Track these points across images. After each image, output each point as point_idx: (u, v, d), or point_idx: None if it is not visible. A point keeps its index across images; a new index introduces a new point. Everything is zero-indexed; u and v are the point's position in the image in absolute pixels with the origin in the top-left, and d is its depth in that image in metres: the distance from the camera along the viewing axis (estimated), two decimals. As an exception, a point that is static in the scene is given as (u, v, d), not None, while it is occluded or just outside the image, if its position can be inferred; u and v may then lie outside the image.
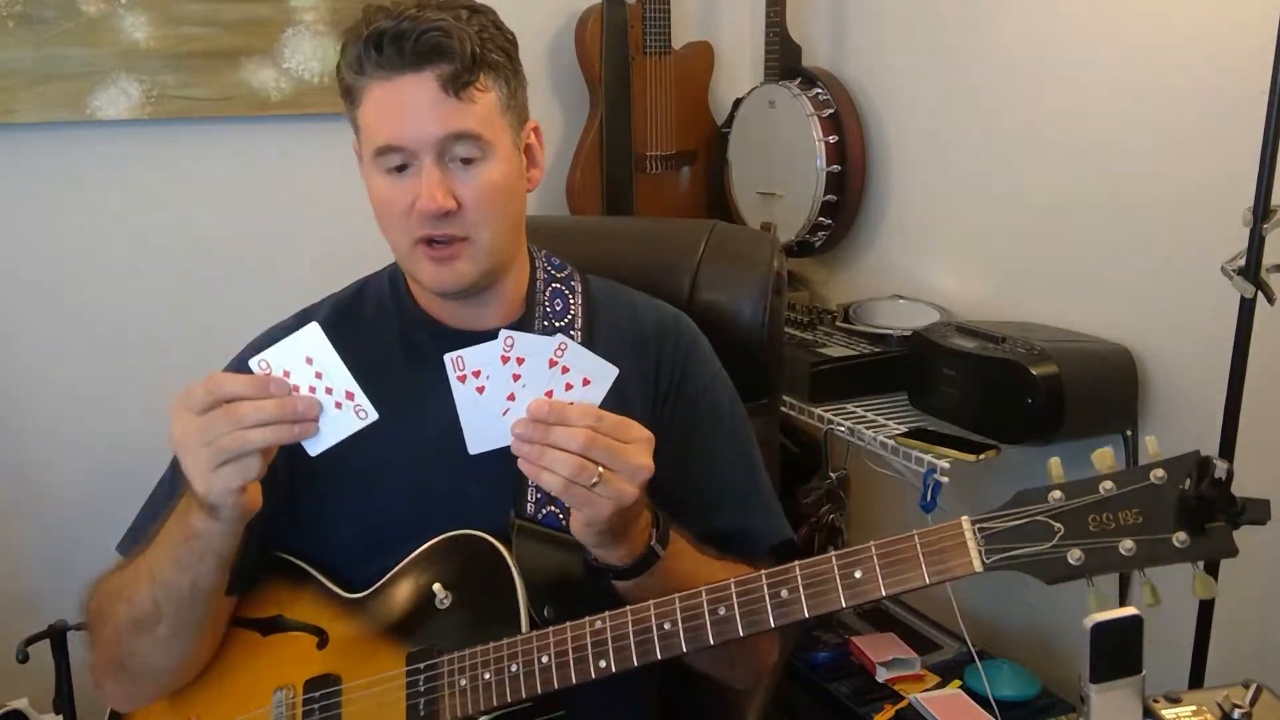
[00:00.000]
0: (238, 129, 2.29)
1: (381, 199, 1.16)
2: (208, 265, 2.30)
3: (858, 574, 0.94)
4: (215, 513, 1.02)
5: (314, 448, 1.02)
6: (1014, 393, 1.79)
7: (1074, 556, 0.89)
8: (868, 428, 1.99)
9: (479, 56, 1.11)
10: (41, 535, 2.22)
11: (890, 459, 1.96)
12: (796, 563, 0.97)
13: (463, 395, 0.99)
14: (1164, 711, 1.00)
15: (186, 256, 2.29)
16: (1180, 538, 0.88)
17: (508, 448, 0.99)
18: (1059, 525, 0.90)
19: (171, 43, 2.19)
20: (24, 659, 1.66)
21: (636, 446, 0.99)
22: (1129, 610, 0.95)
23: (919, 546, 0.93)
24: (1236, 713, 0.99)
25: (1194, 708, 1.01)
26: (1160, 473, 0.89)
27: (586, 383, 0.99)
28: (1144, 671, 0.95)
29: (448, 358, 0.98)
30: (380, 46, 1.09)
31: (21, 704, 2.08)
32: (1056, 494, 0.91)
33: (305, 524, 1.24)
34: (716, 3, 2.71)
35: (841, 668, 2.04)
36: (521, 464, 0.99)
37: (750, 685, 1.29)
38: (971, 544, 0.91)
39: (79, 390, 2.24)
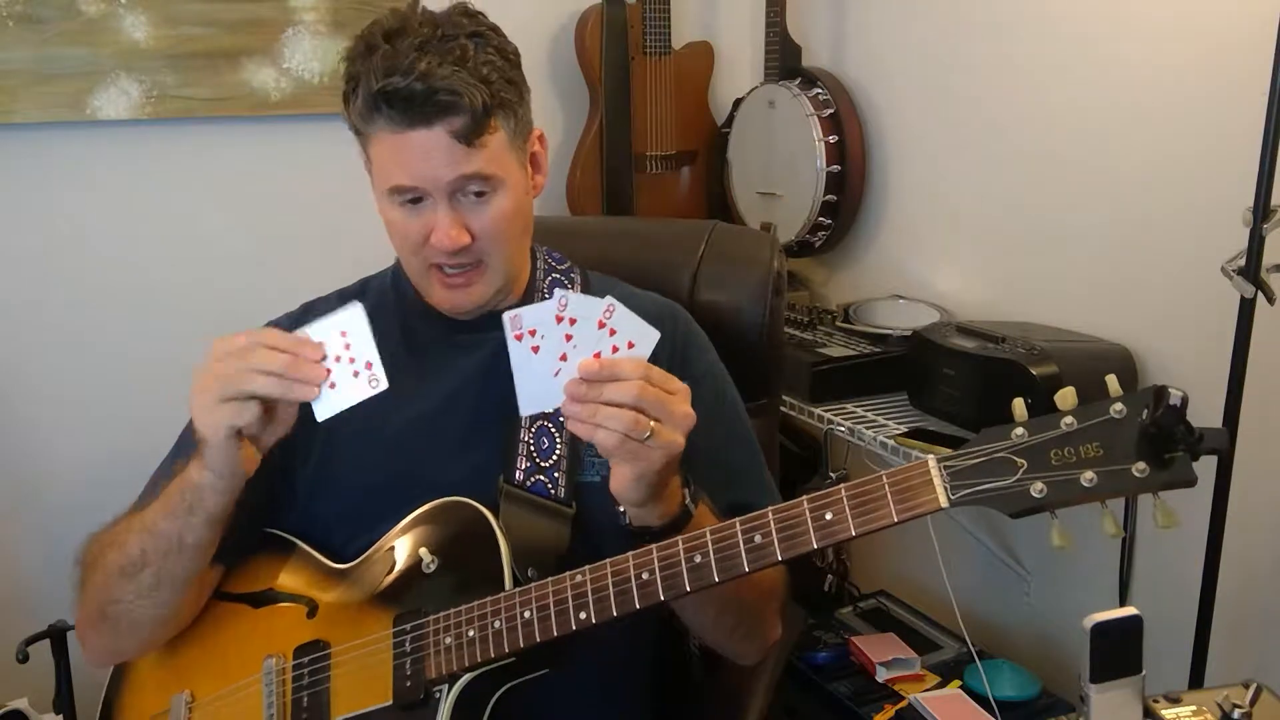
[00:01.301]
0: (238, 129, 2.29)
1: (396, 228, 1.19)
2: (207, 265, 2.30)
3: (828, 515, 0.97)
4: (203, 449, 1.05)
5: (322, 412, 1.05)
6: (1014, 393, 1.77)
7: (1036, 489, 0.92)
8: (868, 428, 1.99)
9: (490, 107, 1.12)
10: (41, 535, 2.22)
11: (890, 459, 1.96)
12: (770, 508, 1.00)
13: (518, 354, 1.01)
14: (1164, 711, 1.00)
15: (186, 256, 2.29)
16: (1140, 468, 0.90)
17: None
18: (1022, 460, 0.93)
19: (171, 43, 2.18)
20: (24, 659, 1.66)
21: (680, 395, 1.02)
22: (1129, 610, 0.95)
23: (886, 486, 0.95)
24: (1236, 713, 0.99)
25: (1194, 708, 1.01)
26: (1120, 406, 0.91)
27: (631, 345, 1.01)
28: (1144, 671, 0.95)
29: (506, 315, 1.00)
30: (391, 103, 1.10)
31: (21, 704, 2.08)
32: (1019, 431, 0.94)
33: (298, 500, 1.27)
34: (716, 3, 2.71)
35: (841, 668, 2.04)
36: (572, 425, 1.01)
37: (756, 660, 1.31)
38: (937, 480, 0.94)
39: (78, 390, 2.24)
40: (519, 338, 1.00)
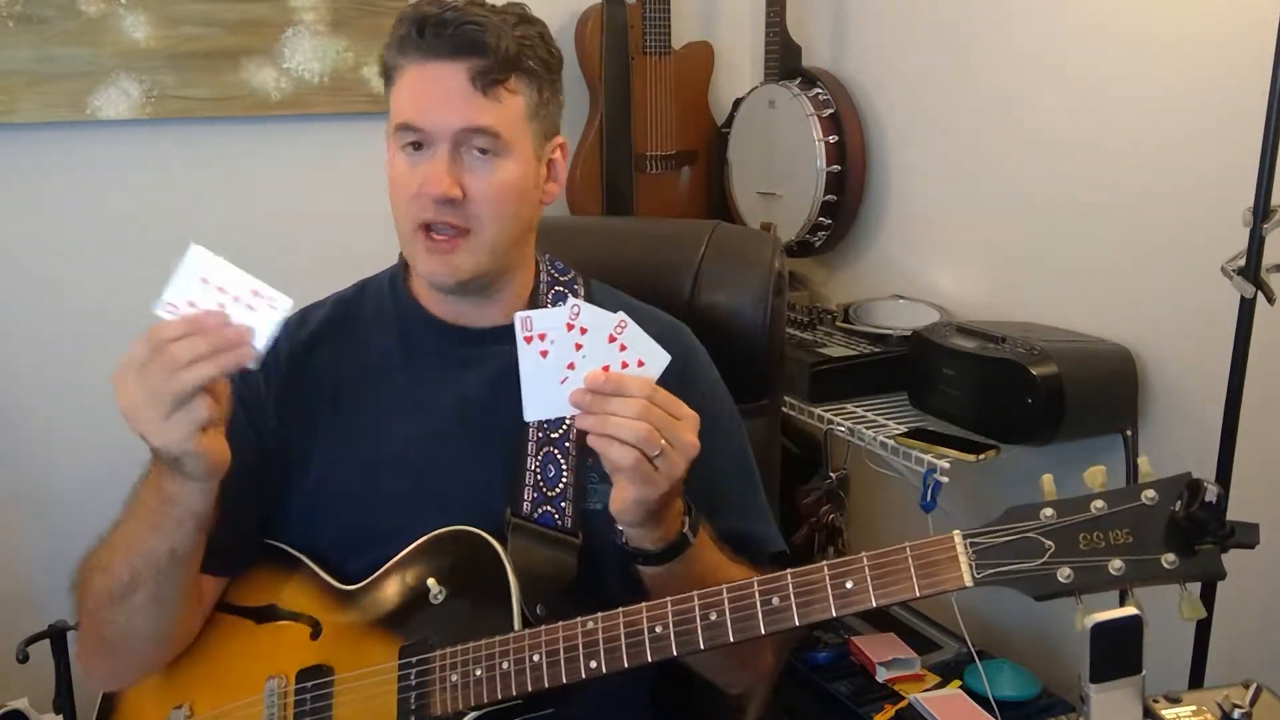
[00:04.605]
0: (238, 129, 2.29)
1: (395, 177, 1.18)
2: (208, 265, 2.30)
3: (849, 584, 0.96)
4: (181, 467, 1.01)
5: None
6: (1014, 393, 1.79)
7: (1063, 574, 0.91)
8: (868, 428, 1.99)
9: (513, 59, 1.14)
10: (41, 535, 2.22)
11: (890, 459, 1.96)
12: (789, 570, 0.98)
13: (527, 357, 1.00)
14: (1164, 711, 1.00)
15: (186, 256, 2.29)
16: (1169, 559, 0.90)
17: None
18: (1050, 542, 0.92)
19: (171, 43, 2.19)
20: (24, 659, 1.66)
21: (687, 422, 1.01)
22: (1129, 610, 0.95)
23: (910, 558, 0.94)
24: (1236, 713, 0.99)
25: (1194, 708, 1.01)
26: (1151, 493, 0.91)
27: (641, 364, 1.00)
28: (1144, 671, 0.95)
29: (517, 316, 0.99)
30: (422, 30, 1.13)
31: (21, 704, 2.08)
32: (1048, 511, 0.92)
33: (300, 514, 1.24)
34: (716, 3, 2.71)
35: (841, 668, 2.04)
36: (591, 439, 1.00)
37: (748, 690, 1.29)
38: (963, 558, 0.93)
39: (79, 390, 2.23)
40: (528, 340, 0.99)
